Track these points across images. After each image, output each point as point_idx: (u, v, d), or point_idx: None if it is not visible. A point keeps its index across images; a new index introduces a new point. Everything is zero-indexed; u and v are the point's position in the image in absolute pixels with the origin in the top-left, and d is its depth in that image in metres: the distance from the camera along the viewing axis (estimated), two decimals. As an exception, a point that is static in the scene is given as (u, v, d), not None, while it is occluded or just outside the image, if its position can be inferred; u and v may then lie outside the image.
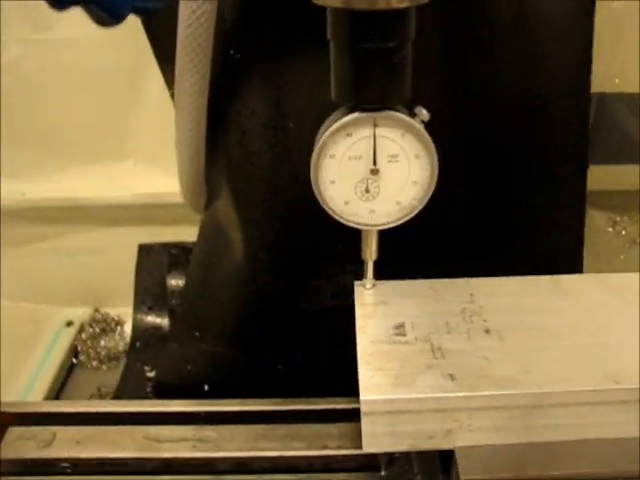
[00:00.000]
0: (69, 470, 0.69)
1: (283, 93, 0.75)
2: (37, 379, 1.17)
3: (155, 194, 1.16)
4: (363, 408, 0.49)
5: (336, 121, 0.51)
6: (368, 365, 0.51)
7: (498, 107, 0.72)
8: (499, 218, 0.78)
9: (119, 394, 0.98)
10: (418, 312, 0.57)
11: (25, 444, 0.70)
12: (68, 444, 0.70)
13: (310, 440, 0.70)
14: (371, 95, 0.50)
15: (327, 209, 0.54)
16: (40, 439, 0.70)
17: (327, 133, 0.51)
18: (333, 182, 0.53)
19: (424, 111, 0.51)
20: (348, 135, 0.52)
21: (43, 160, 1.18)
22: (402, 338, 0.54)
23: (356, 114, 0.51)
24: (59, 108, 1.13)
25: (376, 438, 0.50)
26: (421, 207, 0.54)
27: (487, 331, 0.54)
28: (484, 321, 0.55)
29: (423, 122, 0.52)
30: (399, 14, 0.48)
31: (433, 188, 0.53)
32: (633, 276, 0.60)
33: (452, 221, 0.79)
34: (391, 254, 0.78)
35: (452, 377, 0.50)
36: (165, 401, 0.73)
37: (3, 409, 0.73)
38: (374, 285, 0.60)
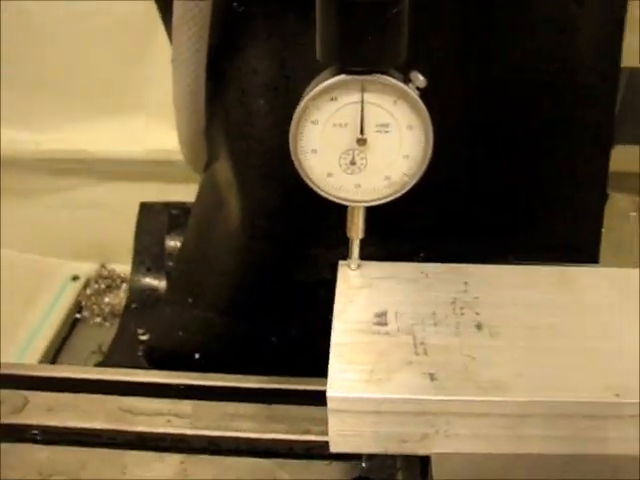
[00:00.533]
0: (38, 437, 0.66)
1: (287, 52, 0.69)
2: (39, 332, 1.15)
3: (166, 150, 1.12)
4: (330, 405, 0.44)
5: (320, 83, 0.46)
6: (340, 357, 0.46)
7: (519, 80, 0.66)
8: (514, 197, 0.72)
9: (110, 356, 0.95)
10: (404, 299, 0.51)
11: (-5, 407, 0.67)
12: (39, 410, 0.67)
13: (292, 423, 0.67)
14: (359, 56, 0.44)
15: (307, 181, 0.49)
16: (11, 404, 0.67)
17: (309, 96, 0.46)
18: (315, 151, 0.48)
19: (420, 77, 0.45)
20: (332, 99, 0.46)
21: (57, 110, 1.14)
22: (382, 328, 0.48)
23: (342, 76, 0.45)
24: (74, 59, 1.09)
25: (344, 438, 0.45)
26: (412, 183, 0.48)
27: (478, 326, 0.49)
28: (476, 314, 0.50)
29: (419, 89, 0.46)
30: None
31: (427, 163, 0.48)
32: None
33: (467, 199, 0.73)
34: (398, 230, 0.73)
35: (432, 377, 0.45)
36: (143, 371, 0.70)
37: (-22, 369, 0.70)
38: (359, 266, 0.55)
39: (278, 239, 0.78)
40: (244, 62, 0.72)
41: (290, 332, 0.83)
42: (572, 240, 0.73)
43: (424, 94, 0.46)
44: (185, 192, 1.15)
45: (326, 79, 0.46)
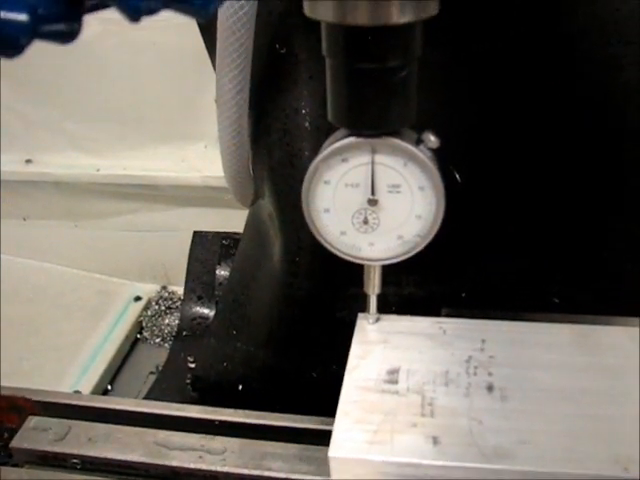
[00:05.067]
0: (78, 467, 0.69)
1: None
2: (102, 350, 1.19)
3: (223, 177, 1.14)
4: (332, 465, 0.45)
5: (332, 144, 0.46)
6: (346, 416, 0.47)
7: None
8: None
9: (159, 382, 0.98)
10: (418, 356, 0.51)
11: (40, 435, 0.70)
12: (80, 440, 0.69)
13: (321, 464, 0.67)
14: (367, 119, 0.45)
15: (321, 240, 0.50)
16: (54, 432, 0.70)
17: (320, 157, 0.46)
18: (327, 210, 0.48)
19: (432, 137, 0.45)
20: (344, 160, 0.47)
21: (118, 138, 1.19)
22: (392, 386, 0.49)
23: (352, 138, 0.46)
24: (134, 87, 1.13)
25: (348, 496, 0.46)
26: (425, 244, 0.48)
27: (489, 388, 0.48)
28: (489, 375, 0.49)
29: (431, 149, 0.46)
30: (401, 30, 0.42)
31: (439, 224, 0.48)
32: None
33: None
34: (437, 270, 0.73)
35: (435, 441, 0.44)
36: (180, 405, 0.72)
37: (27, 396, 0.73)
38: (378, 319, 0.55)
39: (318, 277, 0.79)
40: (286, 103, 0.73)
41: (330, 368, 0.83)
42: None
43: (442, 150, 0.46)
44: (243, 218, 1.18)
45: (337, 140, 0.46)
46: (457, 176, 0.66)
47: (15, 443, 0.69)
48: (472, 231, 0.72)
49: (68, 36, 0.29)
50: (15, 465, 0.68)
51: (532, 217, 0.72)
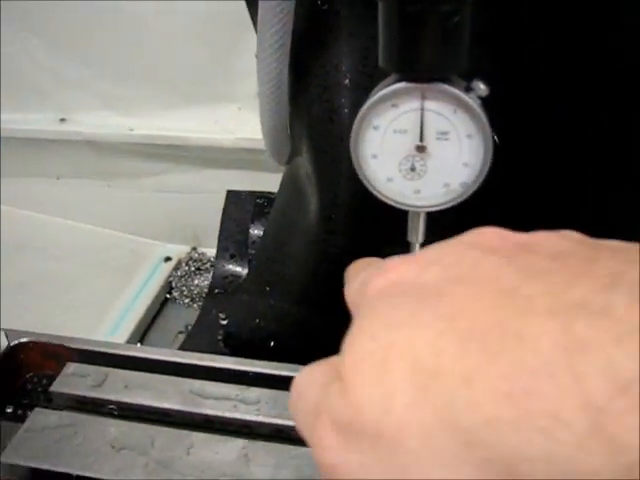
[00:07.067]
0: (115, 412, 0.70)
1: (370, 51, 0.70)
2: (132, 309, 1.21)
3: (256, 139, 1.15)
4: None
5: (381, 90, 0.46)
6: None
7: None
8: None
9: (191, 338, 0.99)
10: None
11: (78, 381, 0.72)
12: (117, 387, 0.71)
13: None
14: (419, 65, 0.44)
15: (368, 185, 0.50)
16: (92, 378, 0.71)
17: (370, 102, 0.46)
18: (375, 156, 0.49)
19: (482, 85, 0.45)
20: (393, 106, 0.46)
21: (151, 97, 1.19)
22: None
23: (402, 84, 0.45)
24: (168, 48, 1.14)
25: None
26: (471, 192, 0.48)
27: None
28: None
29: (480, 97, 0.46)
30: (457, -27, 0.42)
31: (486, 171, 0.47)
32: None
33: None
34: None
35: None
36: (214, 356, 0.73)
37: (66, 344, 0.75)
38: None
39: (353, 235, 0.79)
40: (326, 59, 0.73)
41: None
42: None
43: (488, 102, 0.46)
44: (274, 180, 1.18)
45: (387, 85, 0.46)
46: (495, 138, 0.66)
47: (54, 388, 0.71)
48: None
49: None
50: (55, 409, 0.70)
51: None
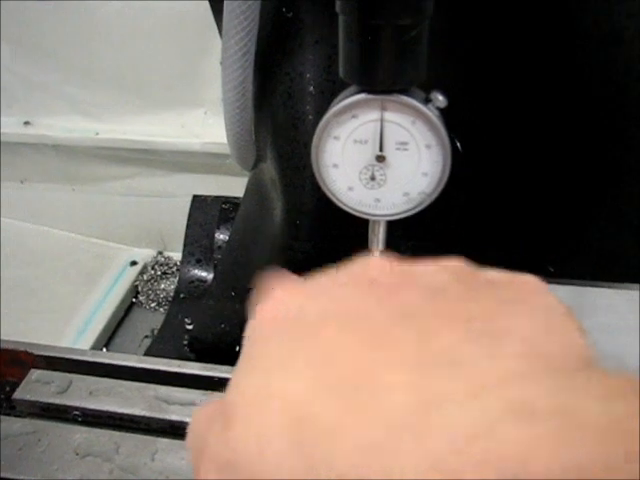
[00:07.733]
0: (80, 419, 0.70)
1: (333, 59, 0.71)
2: (97, 314, 1.20)
3: (223, 143, 1.15)
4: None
5: (342, 100, 0.47)
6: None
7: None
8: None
9: (157, 343, 0.99)
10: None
11: (42, 388, 0.71)
12: (82, 393, 0.71)
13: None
14: (378, 77, 0.45)
15: (329, 194, 0.51)
16: (57, 384, 0.71)
17: (330, 113, 0.47)
18: (336, 166, 0.49)
19: (440, 97, 0.46)
20: (354, 117, 0.48)
21: (117, 102, 1.18)
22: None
23: (362, 95, 0.47)
24: (135, 52, 1.13)
25: None
26: (430, 201, 0.50)
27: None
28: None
29: (439, 109, 0.47)
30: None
31: (445, 181, 0.49)
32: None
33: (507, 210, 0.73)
34: (432, 236, 0.74)
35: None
36: (181, 362, 0.73)
37: (30, 350, 0.74)
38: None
39: (319, 240, 0.80)
40: (291, 67, 0.74)
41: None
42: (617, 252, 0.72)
43: (448, 112, 0.47)
44: (243, 185, 1.19)
45: (348, 96, 0.47)
46: (458, 145, 0.67)
47: (18, 395, 0.71)
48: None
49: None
50: (18, 416, 0.69)
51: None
